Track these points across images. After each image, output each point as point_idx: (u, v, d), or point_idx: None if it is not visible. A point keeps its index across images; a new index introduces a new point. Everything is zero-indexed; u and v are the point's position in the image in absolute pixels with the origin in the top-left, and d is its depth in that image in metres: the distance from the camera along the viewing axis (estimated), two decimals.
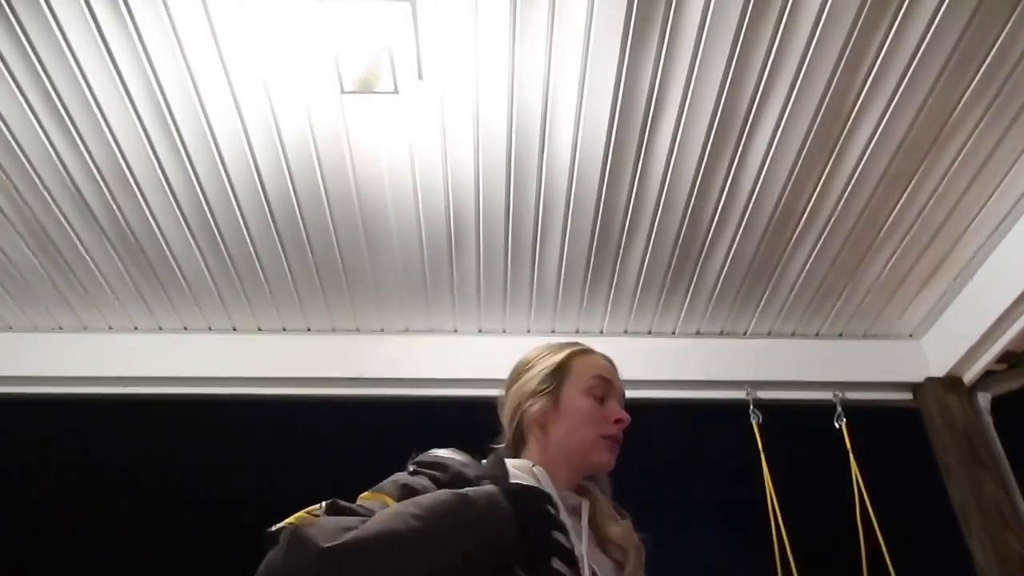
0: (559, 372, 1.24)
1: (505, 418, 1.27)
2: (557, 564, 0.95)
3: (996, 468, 2.44)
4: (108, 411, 2.63)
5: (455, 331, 2.76)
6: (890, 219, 2.30)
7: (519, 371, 1.29)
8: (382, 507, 0.93)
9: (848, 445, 2.55)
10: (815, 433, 2.69)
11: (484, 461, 1.16)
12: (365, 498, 0.99)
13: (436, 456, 1.10)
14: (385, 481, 1.03)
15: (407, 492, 0.98)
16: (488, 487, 0.96)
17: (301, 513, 0.90)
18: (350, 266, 2.47)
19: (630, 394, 3.00)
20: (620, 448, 1.21)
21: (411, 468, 1.07)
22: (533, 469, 1.13)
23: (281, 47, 1.82)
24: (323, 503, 0.92)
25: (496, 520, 0.91)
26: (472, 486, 0.99)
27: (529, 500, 0.95)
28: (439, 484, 1.01)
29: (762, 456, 2.52)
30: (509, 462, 1.15)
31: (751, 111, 1.98)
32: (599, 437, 1.19)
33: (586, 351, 1.31)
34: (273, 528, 0.87)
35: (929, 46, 1.81)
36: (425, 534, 0.85)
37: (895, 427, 2.80)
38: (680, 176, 2.17)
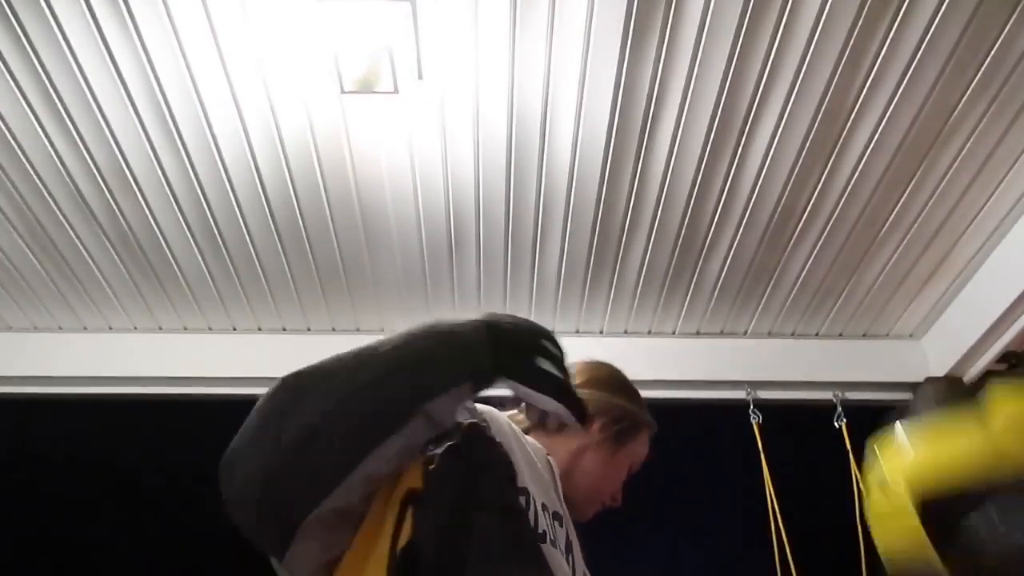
0: (635, 429, 1.25)
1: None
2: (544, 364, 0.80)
3: None
4: (108, 411, 2.63)
5: None
6: (890, 219, 2.30)
7: (615, 385, 1.27)
8: None
9: (848, 445, 2.55)
10: (815, 433, 2.69)
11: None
12: None
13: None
14: None
15: None
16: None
17: None
18: (350, 266, 2.47)
19: None
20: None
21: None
22: (548, 458, 1.11)
23: (281, 47, 1.82)
24: None
25: (461, 335, 0.79)
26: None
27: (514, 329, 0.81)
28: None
29: (762, 456, 2.52)
30: (525, 437, 1.12)
31: (751, 111, 1.98)
32: (601, 501, 1.21)
33: (653, 429, 1.31)
34: None
35: (929, 46, 1.81)
36: (383, 344, 0.75)
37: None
38: (680, 176, 2.17)
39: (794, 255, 2.44)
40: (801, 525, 2.43)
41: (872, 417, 2.71)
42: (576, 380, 1.23)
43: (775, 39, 1.81)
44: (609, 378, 1.29)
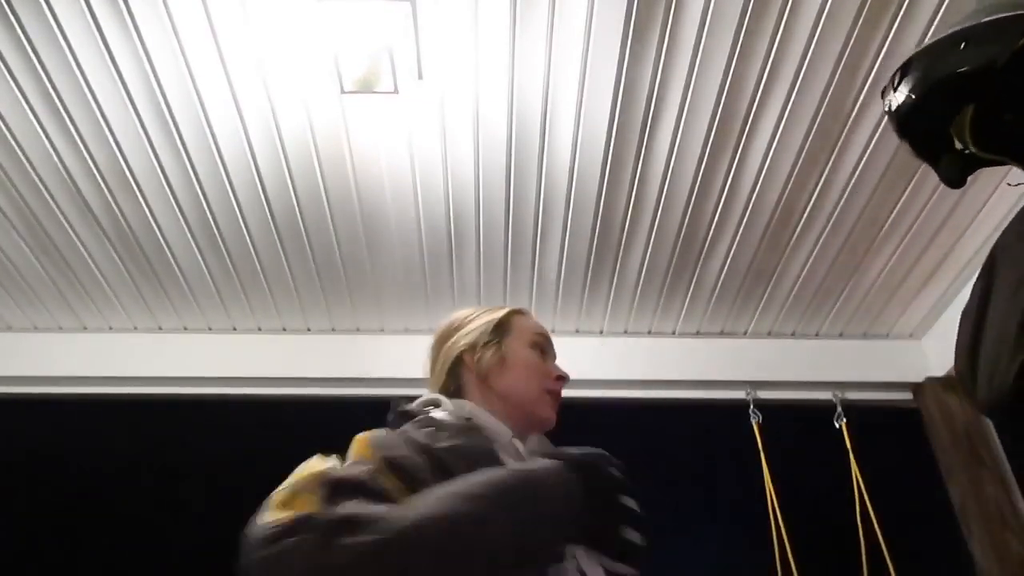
0: (501, 328, 1.22)
1: (437, 373, 1.23)
2: (630, 534, 0.90)
3: (996, 468, 2.44)
4: (108, 411, 2.62)
5: None
6: (890, 219, 2.30)
7: (455, 326, 1.25)
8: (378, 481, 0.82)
9: (848, 445, 2.55)
10: (815, 433, 2.69)
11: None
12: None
13: (431, 418, 1.04)
14: (361, 445, 0.91)
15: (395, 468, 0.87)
16: (548, 463, 0.91)
17: (280, 498, 0.75)
18: (350, 266, 2.47)
19: (631, 394, 2.99)
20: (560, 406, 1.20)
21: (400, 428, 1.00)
22: (513, 441, 1.09)
23: (281, 47, 1.82)
24: (314, 485, 0.76)
25: (562, 499, 0.87)
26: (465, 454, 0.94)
27: (599, 471, 0.92)
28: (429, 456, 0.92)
29: (762, 456, 2.52)
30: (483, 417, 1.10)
31: (751, 111, 1.98)
32: (544, 391, 1.18)
33: (524, 311, 1.29)
34: (261, 525, 0.72)
35: None
36: (485, 517, 0.78)
37: (895, 427, 2.80)
38: (680, 176, 2.17)
39: (794, 255, 2.44)
40: (801, 525, 2.43)
41: (872, 417, 2.71)
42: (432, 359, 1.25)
43: (775, 39, 1.81)
44: (445, 328, 1.27)
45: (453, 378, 1.20)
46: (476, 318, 1.25)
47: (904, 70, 1.08)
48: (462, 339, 1.21)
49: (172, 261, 2.42)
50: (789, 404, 2.70)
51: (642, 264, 2.47)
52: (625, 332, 2.77)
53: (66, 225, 2.29)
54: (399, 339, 2.75)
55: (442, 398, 1.13)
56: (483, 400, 1.15)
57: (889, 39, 1.81)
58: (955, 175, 1.08)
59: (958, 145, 1.04)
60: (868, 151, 2.08)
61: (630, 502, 0.92)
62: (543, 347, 1.23)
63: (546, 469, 0.90)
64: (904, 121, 1.08)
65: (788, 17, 1.76)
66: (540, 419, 1.16)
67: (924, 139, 1.09)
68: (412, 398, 1.14)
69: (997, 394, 0.91)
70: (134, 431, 2.59)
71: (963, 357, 1.00)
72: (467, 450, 0.96)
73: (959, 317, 1.07)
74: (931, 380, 2.64)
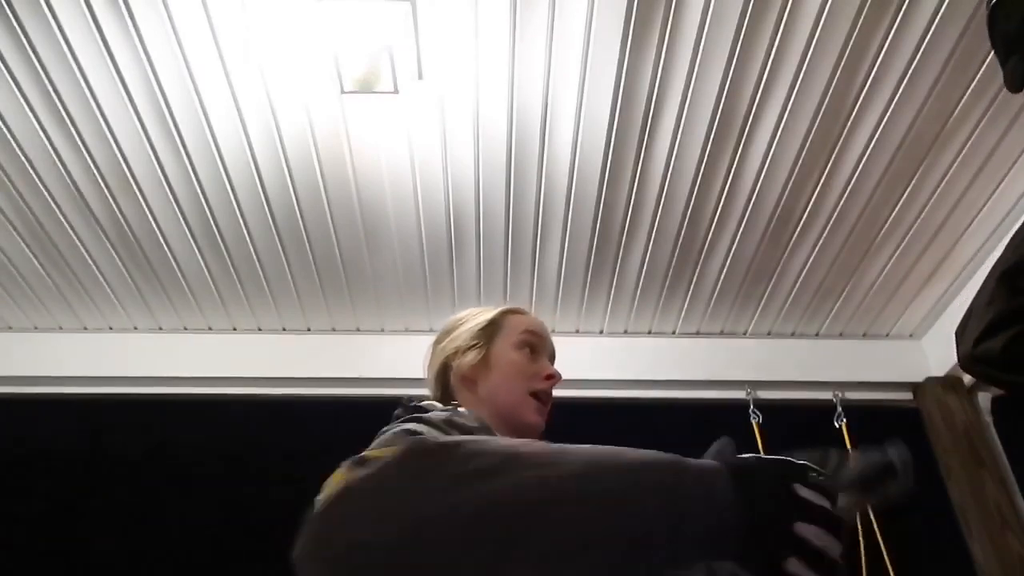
0: (490, 328, 1.18)
1: (430, 378, 1.21)
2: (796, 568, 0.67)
3: (996, 468, 2.44)
4: (108, 411, 2.62)
5: None
6: (890, 219, 2.30)
7: (448, 329, 1.22)
8: None
9: (848, 445, 2.55)
10: (815, 433, 2.69)
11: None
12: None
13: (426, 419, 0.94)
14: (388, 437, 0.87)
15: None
16: (710, 463, 0.76)
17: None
18: (350, 266, 2.47)
19: (631, 394, 2.98)
20: (550, 410, 1.14)
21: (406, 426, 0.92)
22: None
23: (281, 47, 1.82)
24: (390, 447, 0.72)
25: (715, 501, 0.70)
26: None
27: (770, 480, 0.74)
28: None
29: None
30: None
31: (751, 111, 1.98)
32: (528, 394, 1.11)
33: (518, 311, 1.24)
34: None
35: (929, 46, 1.82)
36: (628, 487, 0.68)
37: (895, 427, 2.80)
38: (680, 176, 2.17)
39: (794, 255, 2.44)
40: None
41: (872, 417, 2.71)
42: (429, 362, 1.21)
43: (775, 39, 1.81)
44: (441, 331, 1.24)
45: (442, 383, 1.17)
46: (469, 319, 1.22)
47: None
48: (451, 343, 1.18)
49: (172, 261, 2.42)
50: (789, 404, 2.70)
51: (642, 264, 2.47)
52: (625, 332, 2.77)
53: (66, 225, 2.29)
54: (399, 339, 2.75)
55: (435, 404, 1.08)
56: (471, 405, 1.10)
57: (889, 39, 1.81)
58: (1018, 79, 1.14)
59: None
60: (868, 151, 2.08)
61: (810, 531, 0.70)
62: (533, 345, 1.17)
63: (700, 466, 0.75)
64: (989, 17, 1.19)
65: (788, 17, 1.76)
66: (524, 424, 1.09)
67: (999, 38, 1.18)
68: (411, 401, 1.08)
69: (962, 356, 1.18)
70: (134, 431, 2.59)
71: (960, 323, 1.21)
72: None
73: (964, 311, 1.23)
74: (931, 380, 2.64)
